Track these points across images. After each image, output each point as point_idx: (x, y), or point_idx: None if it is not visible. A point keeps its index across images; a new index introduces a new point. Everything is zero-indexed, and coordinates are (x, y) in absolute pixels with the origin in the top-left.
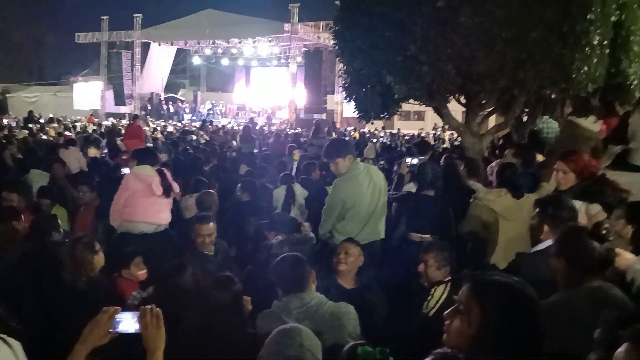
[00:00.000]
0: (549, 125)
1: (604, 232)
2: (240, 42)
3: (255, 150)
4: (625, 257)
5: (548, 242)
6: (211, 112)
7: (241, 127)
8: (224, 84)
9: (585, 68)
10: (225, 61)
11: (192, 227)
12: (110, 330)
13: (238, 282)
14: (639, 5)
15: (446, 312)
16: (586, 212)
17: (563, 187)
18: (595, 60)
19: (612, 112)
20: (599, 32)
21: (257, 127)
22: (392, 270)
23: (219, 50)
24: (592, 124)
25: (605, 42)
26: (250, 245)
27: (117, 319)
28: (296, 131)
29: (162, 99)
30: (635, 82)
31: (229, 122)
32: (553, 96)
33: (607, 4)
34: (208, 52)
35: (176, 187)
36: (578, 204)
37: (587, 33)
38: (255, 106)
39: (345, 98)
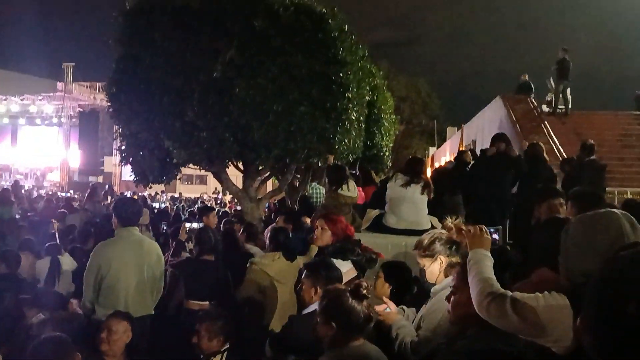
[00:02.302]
0: (317, 191)
1: (364, 291)
2: (5, 99)
3: (17, 216)
4: (392, 315)
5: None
6: None
7: None
8: None
9: (346, 140)
10: None
11: None
12: None
13: None
14: (388, 88)
15: None
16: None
17: (319, 243)
18: (354, 134)
19: (370, 180)
20: (356, 109)
21: (24, 190)
22: (168, 342)
23: None
24: (351, 191)
25: (361, 118)
26: (7, 324)
27: None
28: (68, 195)
29: None
30: (387, 153)
31: None
32: (320, 165)
33: (361, 85)
34: None
35: None
36: (335, 262)
37: (347, 110)
38: (22, 167)
39: (121, 161)
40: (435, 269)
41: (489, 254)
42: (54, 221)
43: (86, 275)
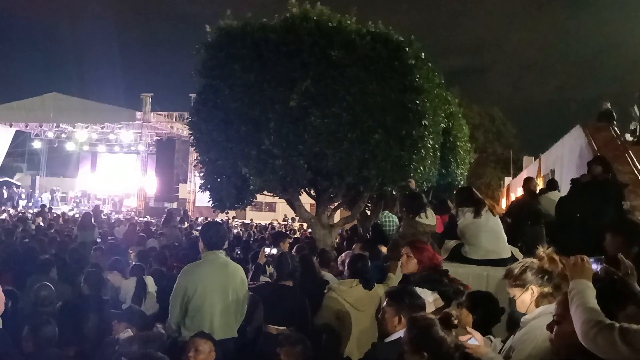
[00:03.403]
0: (390, 220)
1: (455, 320)
2: (87, 127)
3: (99, 240)
4: (481, 348)
5: (401, 332)
6: (51, 198)
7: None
8: (67, 169)
9: (421, 168)
10: (69, 145)
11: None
12: None
13: None
14: (463, 116)
15: None
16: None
17: (404, 271)
18: (429, 162)
19: (447, 208)
20: (432, 137)
21: (103, 215)
22: None
23: (63, 135)
24: (429, 219)
25: (436, 146)
26: (92, 343)
27: None
28: (146, 219)
29: None
30: (462, 182)
31: (71, 209)
32: (394, 193)
33: (437, 113)
34: (51, 135)
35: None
36: (419, 291)
37: (422, 137)
38: (101, 193)
39: (201, 187)
40: (526, 298)
41: (591, 285)
42: (130, 252)
43: (173, 296)
